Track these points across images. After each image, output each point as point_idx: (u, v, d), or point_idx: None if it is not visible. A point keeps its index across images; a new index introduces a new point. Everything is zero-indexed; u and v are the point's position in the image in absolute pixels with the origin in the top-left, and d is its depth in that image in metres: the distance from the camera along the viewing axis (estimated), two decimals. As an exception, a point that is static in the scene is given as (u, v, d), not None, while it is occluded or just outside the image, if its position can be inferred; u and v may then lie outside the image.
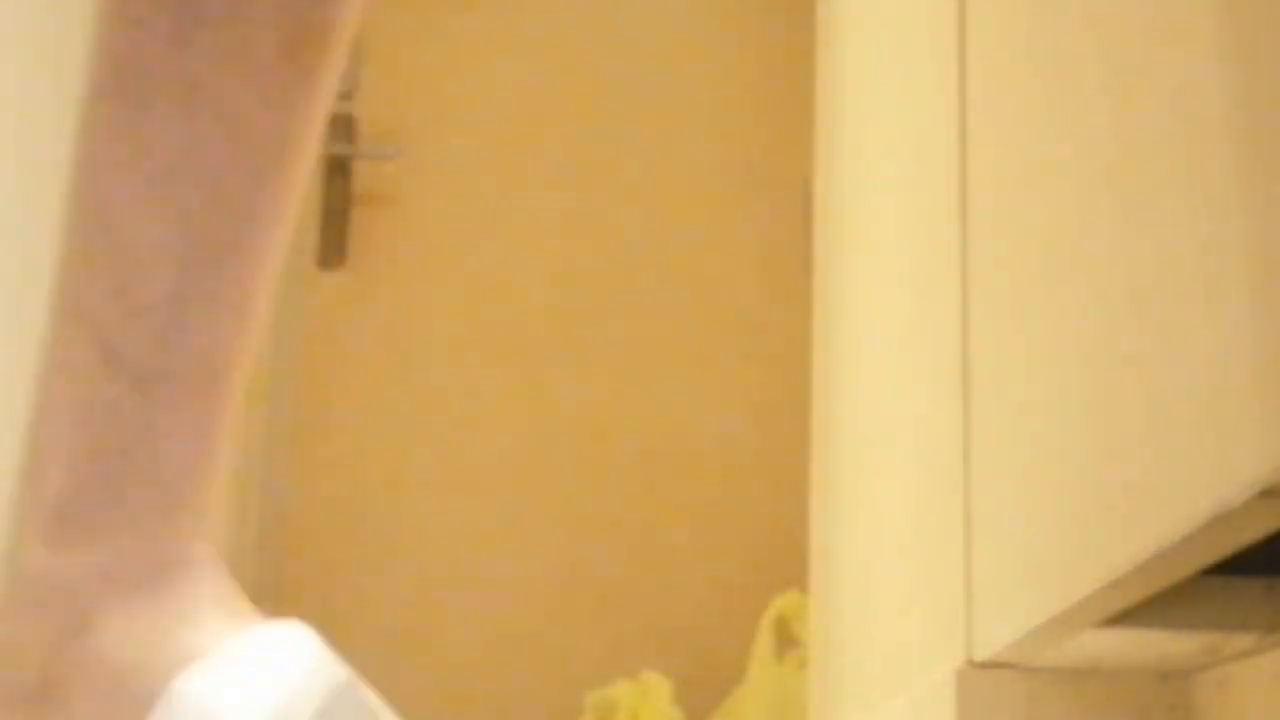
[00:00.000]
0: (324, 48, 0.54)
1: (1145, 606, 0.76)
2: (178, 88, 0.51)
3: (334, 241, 2.84)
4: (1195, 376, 0.58)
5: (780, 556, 2.62)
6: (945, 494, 1.01)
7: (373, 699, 0.51)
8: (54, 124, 1.58)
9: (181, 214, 0.51)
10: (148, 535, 0.51)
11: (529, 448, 2.79)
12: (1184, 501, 0.58)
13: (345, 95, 2.88)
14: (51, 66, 1.60)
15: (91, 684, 0.49)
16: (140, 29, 0.51)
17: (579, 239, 2.87)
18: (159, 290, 0.51)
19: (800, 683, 2.22)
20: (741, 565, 2.73)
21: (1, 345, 1.49)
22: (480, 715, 2.69)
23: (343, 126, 2.87)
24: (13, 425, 1.36)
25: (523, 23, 2.93)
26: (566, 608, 2.73)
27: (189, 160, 0.51)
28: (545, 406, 2.81)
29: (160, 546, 0.51)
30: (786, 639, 2.39)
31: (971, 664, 0.91)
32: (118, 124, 0.51)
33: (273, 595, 2.72)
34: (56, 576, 0.50)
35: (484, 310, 2.84)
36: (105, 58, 0.51)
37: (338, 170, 2.86)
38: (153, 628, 0.50)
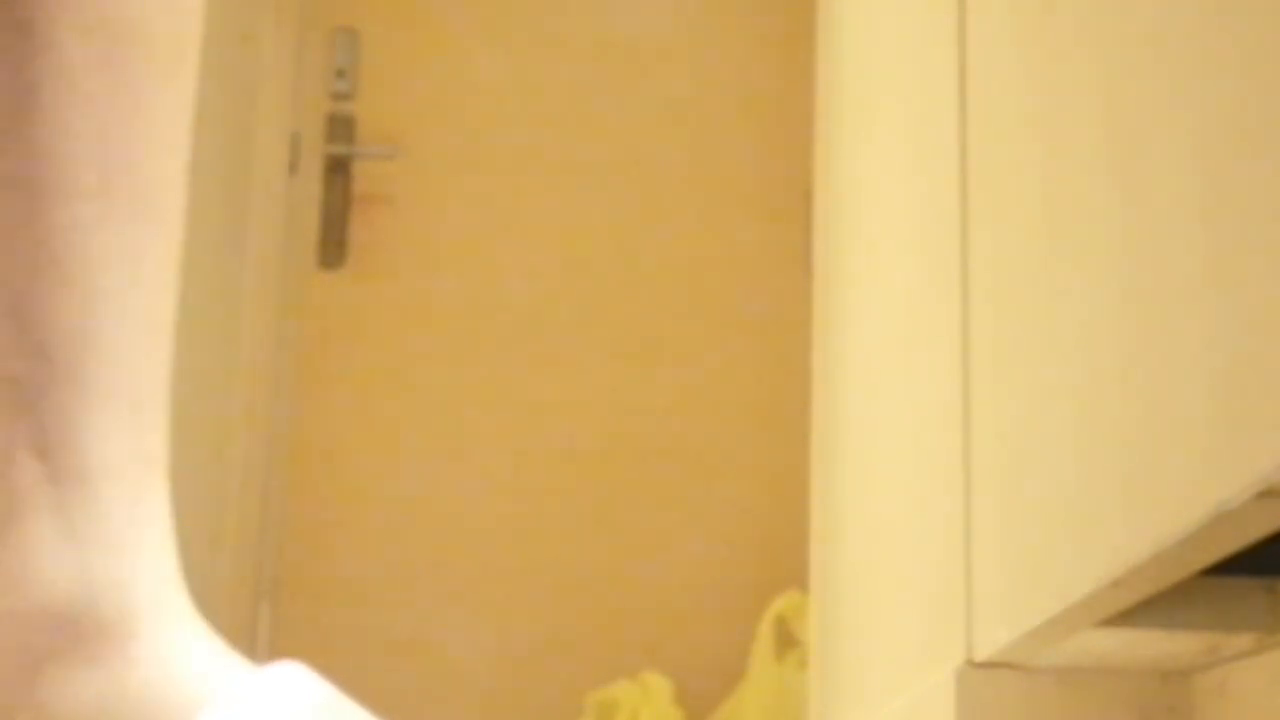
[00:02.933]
0: (146, 51, 0.50)
1: (1145, 606, 0.76)
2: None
3: (334, 241, 2.84)
4: (1195, 375, 0.58)
5: (780, 556, 2.62)
6: (945, 494, 1.01)
7: None
8: None
9: (41, 242, 0.48)
10: (99, 579, 0.48)
11: (529, 447, 2.79)
12: (1184, 501, 0.58)
13: (345, 95, 2.88)
14: None
15: None
16: None
17: (578, 239, 2.87)
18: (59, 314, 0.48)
19: (800, 683, 2.22)
20: (741, 565, 2.73)
21: None
22: (481, 715, 2.69)
23: (342, 126, 2.87)
24: None
25: (522, 23, 2.93)
26: (567, 608, 2.73)
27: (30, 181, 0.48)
28: (545, 406, 2.81)
29: (114, 591, 0.48)
30: (786, 639, 2.39)
31: (971, 664, 0.91)
32: None
33: (271, 595, 2.72)
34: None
35: (483, 310, 2.84)
36: None
37: (338, 170, 2.86)
38: (126, 682, 0.47)
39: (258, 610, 2.69)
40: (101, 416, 0.48)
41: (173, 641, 0.48)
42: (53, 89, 0.48)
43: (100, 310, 0.48)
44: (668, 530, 2.76)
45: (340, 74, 2.89)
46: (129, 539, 0.49)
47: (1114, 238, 0.69)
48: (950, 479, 1.00)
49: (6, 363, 0.48)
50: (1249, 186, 0.53)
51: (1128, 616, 0.78)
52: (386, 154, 2.86)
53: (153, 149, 0.50)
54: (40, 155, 0.48)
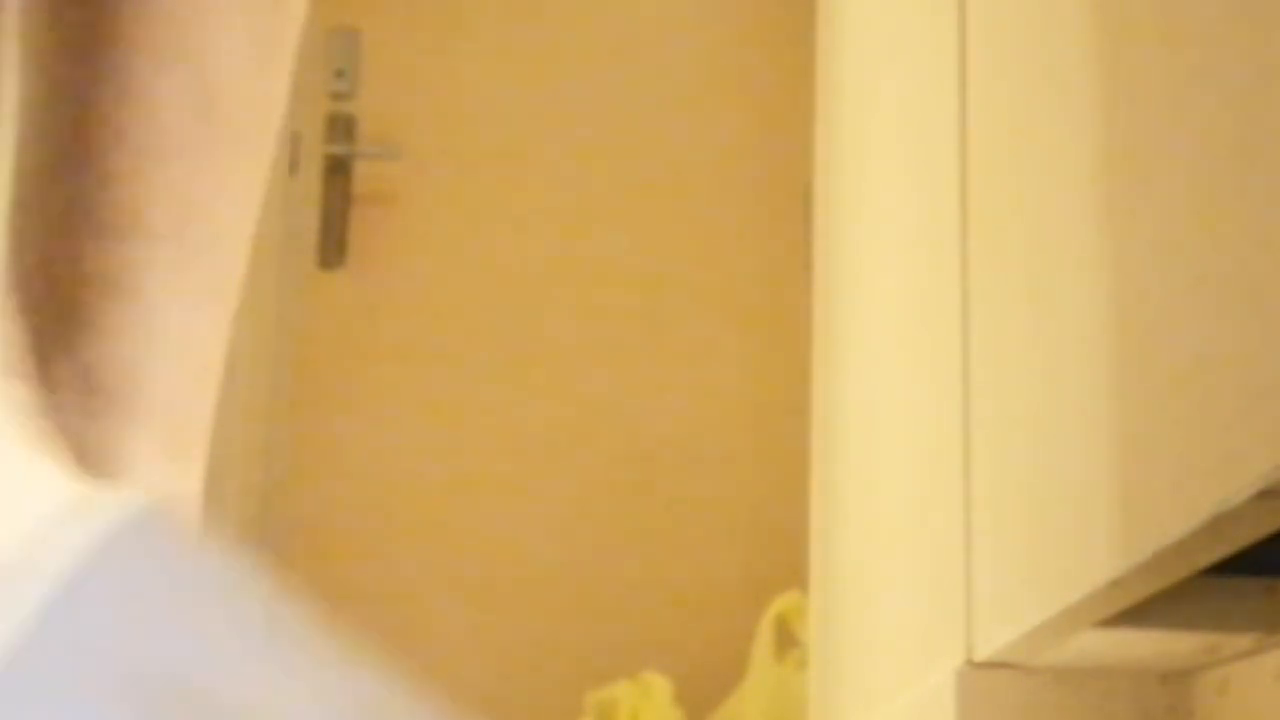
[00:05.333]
0: (231, 115, 0.55)
1: (1145, 606, 0.76)
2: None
3: (334, 241, 2.84)
4: (1195, 376, 0.58)
5: (780, 556, 2.62)
6: (945, 494, 1.01)
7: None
8: None
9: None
10: None
11: (529, 447, 2.79)
12: (1184, 501, 0.58)
13: (345, 95, 2.88)
14: None
15: None
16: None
17: (578, 239, 2.87)
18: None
19: (800, 683, 2.22)
20: (741, 565, 2.73)
21: None
22: (480, 715, 2.69)
23: (342, 126, 2.87)
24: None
25: (523, 23, 2.93)
26: (567, 608, 2.73)
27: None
28: (545, 406, 2.81)
29: None
30: (786, 639, 2.39)
31: (971, 664, 0.91)
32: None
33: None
34: None
35: (484, 310, 2.84)
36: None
37: (338, 170, 2.86)
38: None
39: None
40: (144, 449, 0.50)
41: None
42: (141, 135, 0.51)
43: (156, 348, 0.51)
44: (667, 530, 2.76)
45: (340, 74, 2.89)
46: None
47: (1114, 233, 0.69)
48: (950, 479, 1.00)
49: (58, 387, 0.50)
50: (1250, 183, 0.53)
51: (1127, 616, 0.78)
52: (386, 154, 2.86)
53: (225, 204, 0.53)
54: (121, 192, 0.51)
